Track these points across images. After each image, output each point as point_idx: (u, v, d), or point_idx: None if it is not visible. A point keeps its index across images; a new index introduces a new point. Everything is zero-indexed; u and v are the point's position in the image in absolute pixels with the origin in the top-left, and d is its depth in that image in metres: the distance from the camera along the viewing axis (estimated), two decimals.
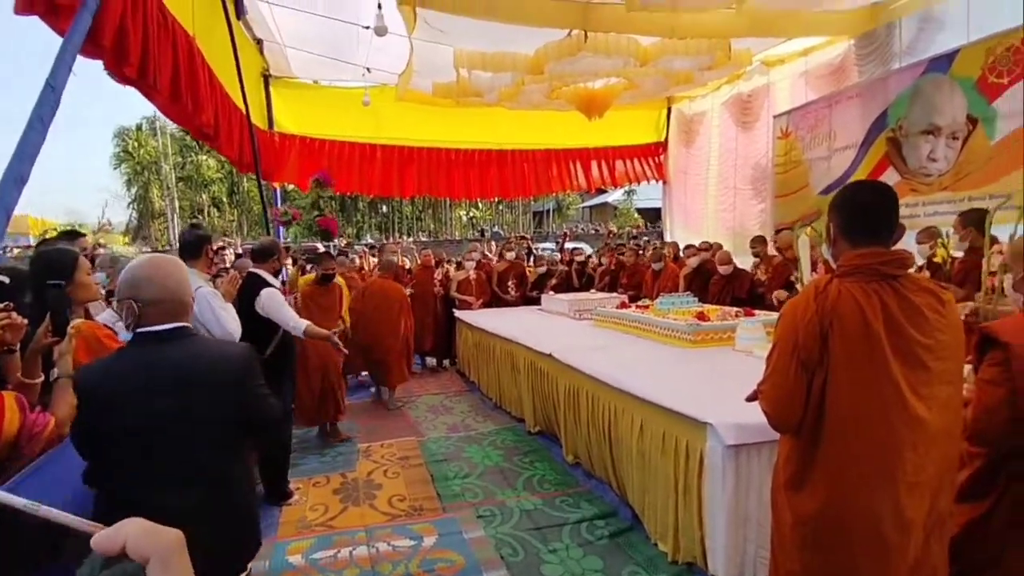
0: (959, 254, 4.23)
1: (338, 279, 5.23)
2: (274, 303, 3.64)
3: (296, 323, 3.69)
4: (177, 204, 30.91)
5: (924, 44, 5.98)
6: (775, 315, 4.65)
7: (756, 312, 4.78)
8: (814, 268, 4.48)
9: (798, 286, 4.90)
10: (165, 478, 1.60)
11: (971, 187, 5.19)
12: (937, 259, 4.36)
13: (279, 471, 3.91)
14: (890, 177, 5.91)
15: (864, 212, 1.67)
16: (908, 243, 5.15)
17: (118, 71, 3.58)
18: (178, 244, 3.34)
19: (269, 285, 3.69)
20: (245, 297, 3.58)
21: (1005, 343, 1.68)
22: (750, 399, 1.85)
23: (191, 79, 4.62)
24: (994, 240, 3.33)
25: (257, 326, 3.53)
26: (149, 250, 19.43)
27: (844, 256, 1.67)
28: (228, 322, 3.07)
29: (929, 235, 4.57)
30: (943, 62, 5.42)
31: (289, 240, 6.41)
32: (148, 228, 32.01)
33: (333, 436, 5.07)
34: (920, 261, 4.48)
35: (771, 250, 6.32)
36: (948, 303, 1.61)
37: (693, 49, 6.04)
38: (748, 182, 8.53)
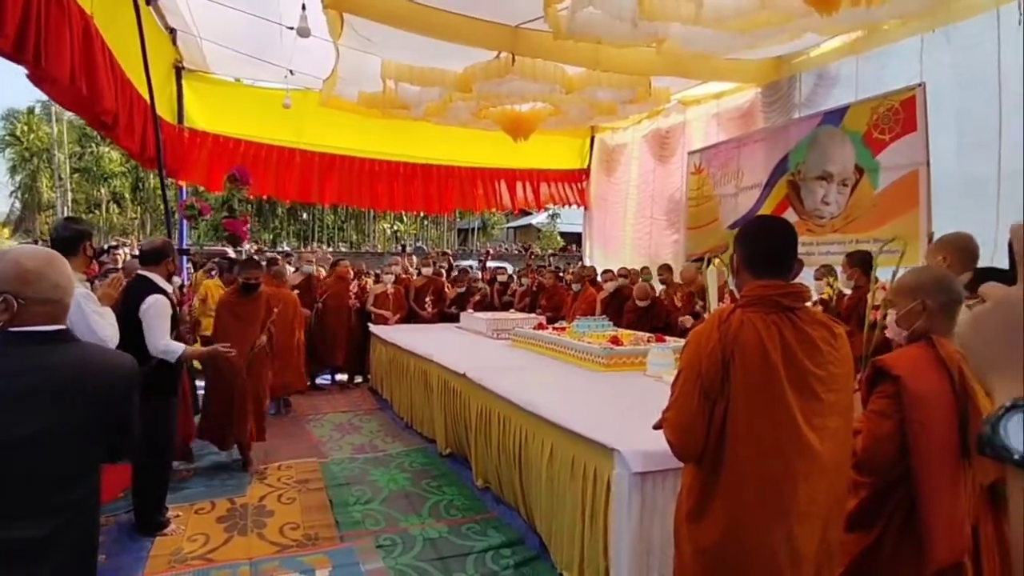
0: (848, 291, 4.57)
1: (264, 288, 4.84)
2: (155, 315, 3.25)
3: (168, 346, 3.28)
4: (71, 196, 28.45)
5: (820, 98, 6.50)
6: (683, 341, 4.84)
7: (667, 338, 4.94)
8: (721, 298, 4.69)
9: (704, 315, 5.13)
10: (17, 505, 1.37)
11: (857, 231, 5.64)
12: (825, 295, 4.68)
13: (155, 497, 3.53)
14: (789, 217, 6.33)
15: (767, 245, 1.73)
16: (805, 278, 5.55)
17: None
18: (50, 238, 3.00)
19: (158, 291, 3.33)
20: (130, 302, 3.25)
21: (896, 376, 1.76)
22: (656, 427, 1.86)
23: (88, 62, 4.26)
24: (876, 279, 3.61)
25: (140, 334, 3.22)
26: (28, 243, 17.68)
27: (747, 287, 1.72)
28: (103, 328, 2.77)
29: (825, 272, 4.91)
30: (836, 116, 5.90)
31: (190, 242, 5.89)
32: (33, 220, 29.27)
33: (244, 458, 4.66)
34: (816, 296, 4.80)
35: (677, 278, 6.60)
36: (840, 336, 1.68)
37: (616, 82, 6.27)
38: (664, 213, 8.90)
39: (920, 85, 5.09)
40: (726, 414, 1.61)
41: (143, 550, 3.29)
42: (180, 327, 3.84)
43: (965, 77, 5.14)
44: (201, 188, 9.00)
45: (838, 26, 5.11)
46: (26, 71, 3.73)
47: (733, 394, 1.60)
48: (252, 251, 7.57)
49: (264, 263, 5.84)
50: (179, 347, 3.36)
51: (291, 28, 5.36)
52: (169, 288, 3.44)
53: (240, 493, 4.12)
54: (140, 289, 3.30)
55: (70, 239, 2.85)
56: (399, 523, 3.65)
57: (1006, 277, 2.10)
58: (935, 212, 4.99)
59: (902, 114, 5.22)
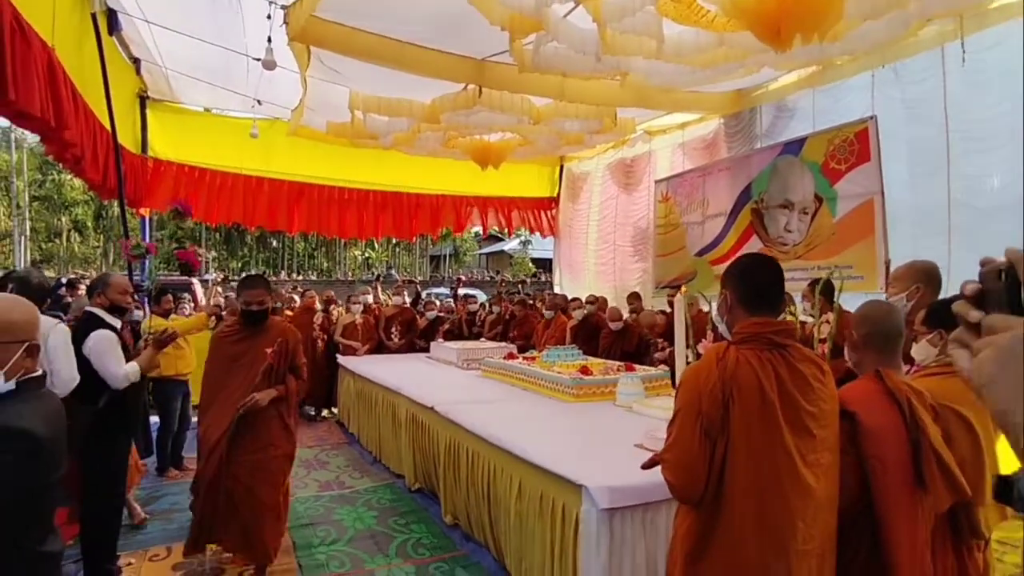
0: (807, 319, 4.64)
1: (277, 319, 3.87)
2: (100, 351, 3.09)
3: (126, 371, 3.11)
4: (29, 225, 27.63)
5: (780, 129, 6.72)
6: (653, 370, 4.84)
7: (637, 367, 4.95)
8: (700, 333, 4.60)
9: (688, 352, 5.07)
10: (48, 527, 1.58)
11: (819, 257, 5.77)
12: None
13: (104, 544, 3.32)
14: (754, 244, 6.48)
15: (759, 282, 1.75)
16: None
17: None
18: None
19: (102, 326, 3.17)
20: (77, 340, 3.12)
21: (852, 412, 1.77)
22: (646, 467, 1.83)
23: (53, 95, 4.18)
24: (840, 308, 3.66)
25: (88, 375, 3.07)
26: None
27: (740, 324, 1.71)
28: (74, 369, 2.72)
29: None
30: (795, 146, 6.08)
31: (138, 275, 5.53)
32: None
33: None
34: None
35: (647, 305, 6.66)
36: (828, 373, 1.70)
37: (583, 113, 6.38)
38: (629, 241, 9.01)
39: (872, 118, 5.28)
40: (726, 453, 1.60)
41: None
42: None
43: (914, 111, 5.37)
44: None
45: (793, 62, 5.30)
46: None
47: (733, 433, 1.59)
48: (218, 279, 7.36)
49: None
50: (134, 365, 3.19)
51: (257, 60, 5.33)
52: (115, 322, 3.27)
53: None
54: (83, 328, 3.18)
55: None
56: (365, 564, 3.54)
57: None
58: (891, 240, 5.14)
59: (856, 145, 5.40)
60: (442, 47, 5.31)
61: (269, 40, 4.72)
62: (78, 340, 3.13)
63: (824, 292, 4.34)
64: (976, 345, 0.59)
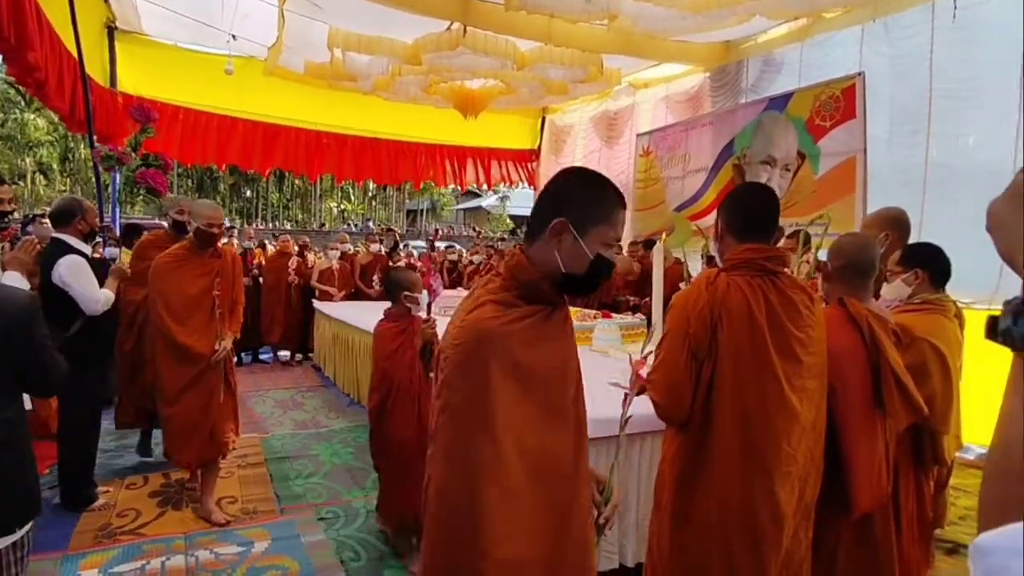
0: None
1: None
2: (72, 274, 3.04)
3: (105, 294, 3.14)
4: None
5: (766, 83, 6.65)
6: (630, 318, 4.91)
7: (613, 315, 5.00)
8: (671, 279, 4.64)
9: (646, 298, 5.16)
10: None
11: (797, 215, 5.77)
12: None
13: (80, 472, 3.35)
14: None
15: (751, 210, 1.75)
16: None
17: None
18: None
19: (71, 251, 3.09)
20: (45, 270, 3.04)
21: None
22: (639, 393, 1.82)
23: (15, 11, 3.95)
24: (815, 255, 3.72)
25: (58, 301, 3.02)
26: None
27: (731, 251, 1.72)
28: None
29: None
30: (780, 101, 6.04)
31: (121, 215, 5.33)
32: None
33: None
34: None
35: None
36: (816, 301, 1.72)
37: (568, 59, 6.24)
38: None
39: (860, 74, 5.25)
40: (713, 375, 1.62)
41: (68, 526, 3.13)
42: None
43: (899, 67, 5.33)
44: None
45: (785, 10, 5.22)
46: None
47: (720, 355, 1.61)
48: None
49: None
50: (108, 292, 3.18)
51: None
52: (86, 249, 3.20)
53: (175, 467, 3.94)
54: (52, 254, 3.07)
55: None
56: (342, 496, 3.59)
57: (936, 253, 2.20)
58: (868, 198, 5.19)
59: (842, 102, 5.37)
60: None
61: None
62: (46, 267, 3.05)
63: (806, 243, 4.41)
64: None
